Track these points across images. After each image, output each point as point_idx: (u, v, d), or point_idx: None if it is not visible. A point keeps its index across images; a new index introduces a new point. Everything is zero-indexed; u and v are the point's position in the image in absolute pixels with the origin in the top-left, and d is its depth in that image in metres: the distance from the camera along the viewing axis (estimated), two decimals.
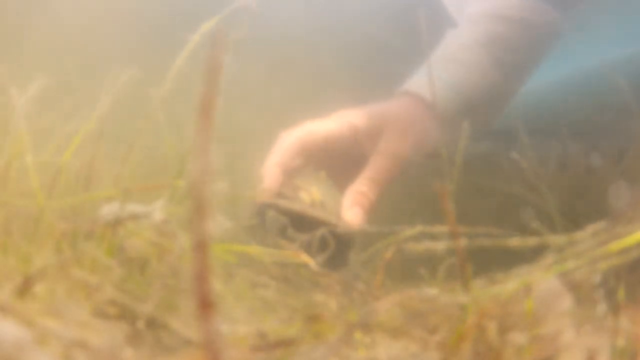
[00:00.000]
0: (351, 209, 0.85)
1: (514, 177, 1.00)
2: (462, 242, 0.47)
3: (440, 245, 0.49)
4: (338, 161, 0.92)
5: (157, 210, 0.48)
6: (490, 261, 0.50)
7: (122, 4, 1.25)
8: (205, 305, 0.25)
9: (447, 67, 1.01)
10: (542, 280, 0.43)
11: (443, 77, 0.99)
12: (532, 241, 0.48)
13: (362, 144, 0.92)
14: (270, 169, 0.85)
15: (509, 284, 0.43)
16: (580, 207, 0.96)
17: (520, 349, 0.39)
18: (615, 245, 0.44)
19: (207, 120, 0.23)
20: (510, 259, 0.47)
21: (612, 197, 0.77)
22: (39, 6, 1.20)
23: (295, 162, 0.87)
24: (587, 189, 1.01)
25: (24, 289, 0.42)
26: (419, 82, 0.98)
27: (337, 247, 0.71)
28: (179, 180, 0.61)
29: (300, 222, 0.74)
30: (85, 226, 0.50)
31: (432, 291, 0.41)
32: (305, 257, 0.59)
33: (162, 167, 0.73)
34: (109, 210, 0.51)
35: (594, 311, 0.42)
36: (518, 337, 0.39)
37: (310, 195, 0.81)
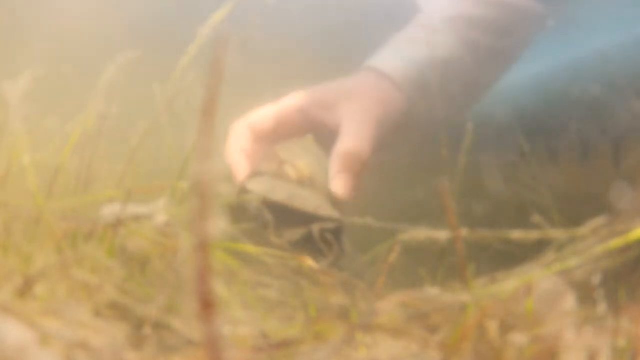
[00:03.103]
0: (338, 177, 0.74)
1: (510, 173, 0.99)
2: (463, 238, 0.47)
3: (441, 235, 0.49)
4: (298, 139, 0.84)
5: (159, 211, 0.48)
6: (491, 261, 0.50)
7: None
8: (207, 306, 0.25)
9: (408, 44, 0.95)
10: (543, 280, 0.44)
11: (402, 52, 0.93)
12: (533, 235, 0.48)
13: (315, 116, 0.83)
14: (233, 157, 0.79)
15: (510, 282, 0.43)
16: (576, 202, 0.95)
17: (521, 348, 0.39)
18: (617, 242, 0.44)
19: (210, 121, 0.23)
20: (511, 259, 0.48)
21: (612, 196, 0.77)
22: (38, 5, 1.20)
23: (254, 147, 0.80)
24: (582, 184, 1.00)
25: (25, 289, 0.42)
26: (375, 58, 0.93)
27: (326, 238, 0.65)
28: (181, 181, 0.61)
29: (285, 212, 0.67)
30: (86, 226, 0.50)
31: (433, 291, 0.41)
32: (307, 260, 0.58)
33: (163, 167, 0.73)
34: (110, 210, 0.51)
35: (594, 311, 0.42)
36: (519, 337, 0.40)
37: (297, 169, 0.73)
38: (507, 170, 1.00)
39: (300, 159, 0.74)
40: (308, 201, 0.69)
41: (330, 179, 0.74)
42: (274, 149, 0.78)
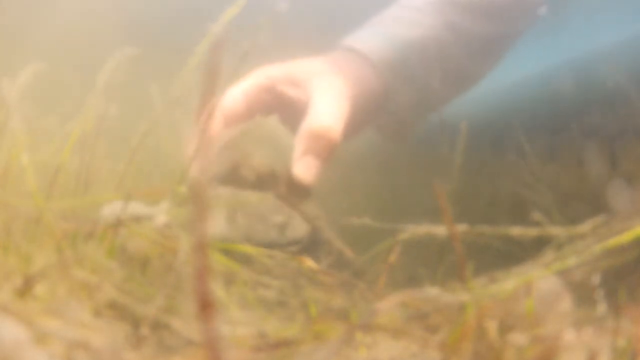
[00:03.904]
0: (302, 160, 0.66)
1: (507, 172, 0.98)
2: (461, 236, 0.47)
3: (441, 230, 0.49)
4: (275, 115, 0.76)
5: (160, 213, 0.48)
6: (491, 261, 0.50)
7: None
8: (206, 306, 0.25)
9: (386, 22, 0.89)
10: (543, 279, 0.44)
11: (379, 31, 0.86)
12: (532, 231, 0.48)
13: (284, 93, 0.75)
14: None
15: (509, 282, 0.43)
16: (574, 201, 0.94)
17: (521, 348, 0.39)
18: (616, 242, 0.44)
19: (207, 122, 0.23)
20: (511, 258, 0.48)
21: (610, 195, 0.77)
22: (39, 6, 1.20)
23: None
24: (580, 183, 0.99)
25: (25, 289, 0.42)
26: (351, 37, 0.86)
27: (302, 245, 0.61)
28: (181, 182, 0.61)
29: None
30: (87, 226, 0.50)
31: (433, 291, 0.41)
32: (307, 260, 0.58)
33: (164, 168, 0.73)
34: (110, 210, 0.51)
35: (594, 311, 0.42)
36: (518, 337, 0.40)
37: (254, 168, 0.64)
38: (505, 168, 0.99)
39: (256, 152, 0.66)
40: (270, 222, 0.62)
41: (294, 162, 0.65)
42: (227, 146, 0.68)
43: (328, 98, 0.72)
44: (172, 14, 1.24)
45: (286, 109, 0.76)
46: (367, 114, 0.81)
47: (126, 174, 0.62)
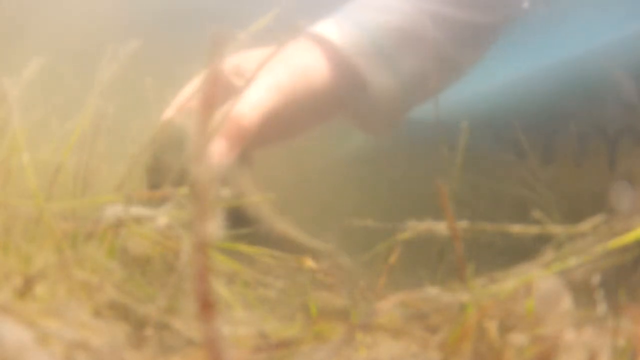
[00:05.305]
0: (212, 143, 0.64)
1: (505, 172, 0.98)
2: (462, 235, 0.47)
3: (441, 228, 0.49)
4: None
5: (161, 214, 0.48)
6: (491, 261, 0.50)
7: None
8: (206, 306, 0.25)
9: (358, 10, 0.83)
10: (543, 279, 0.44)
11: (348, 17, 0.81)
12: (533, 230, 0.48)
13: (231, 84, 0.71)
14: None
15: (509, 282, 0.43)
16: (574, 202, 0.94)
17: (521, 348, 0.39)
18: (616, 242, 0.44)
19: (207, 123, 0.23)
20: (511, 258, 0.48)
21: (611, 196, 0.77)
22: (38, 5, 1.20)
23: None
24: (579, 183, 0.98)
25: (25, 289, 0.42)
26: (319, 24, 0.81)
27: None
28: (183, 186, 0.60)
29: None
30: (87, 226, 0.50)
31: (433, 291, 0.41)
32: (308, 260, 0.58)
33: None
34: (112, 211, 0.51)
35: (594, 311, 0.42)
36: (518, 337, 0.40)
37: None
38: (505, 168, 0.99)
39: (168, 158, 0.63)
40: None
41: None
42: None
43: (256, 87, 0.70)
44: (173, 13, 1.24)
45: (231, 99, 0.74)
46: (321, 106, 0.77)
47: (127, 175, 0.62)
